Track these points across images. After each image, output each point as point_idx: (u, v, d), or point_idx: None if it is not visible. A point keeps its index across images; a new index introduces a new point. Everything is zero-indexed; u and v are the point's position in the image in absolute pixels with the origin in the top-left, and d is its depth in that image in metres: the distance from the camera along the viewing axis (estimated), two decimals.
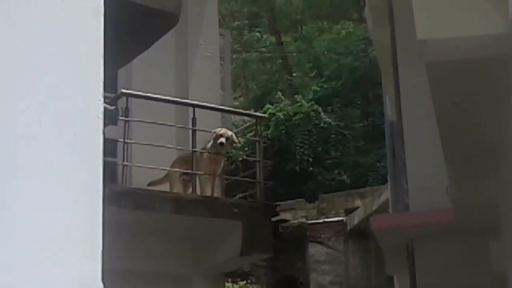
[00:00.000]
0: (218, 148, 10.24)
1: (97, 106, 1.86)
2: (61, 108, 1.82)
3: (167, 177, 10.39)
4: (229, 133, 10.43)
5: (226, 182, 11.43)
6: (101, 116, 1.86)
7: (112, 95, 9.71)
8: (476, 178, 6.90)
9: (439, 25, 4.51)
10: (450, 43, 4.59)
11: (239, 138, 12.52)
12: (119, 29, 3.11)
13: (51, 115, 1.81)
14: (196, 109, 10.49)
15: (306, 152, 22.85)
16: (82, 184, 1.82)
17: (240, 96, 29.84)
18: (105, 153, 1.90)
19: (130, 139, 10.02)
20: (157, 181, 10.31)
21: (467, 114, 5.68)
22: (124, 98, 9.99)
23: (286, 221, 17.33)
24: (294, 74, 29.77)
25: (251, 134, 12.65)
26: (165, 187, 10.30)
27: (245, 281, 21.54)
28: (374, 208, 16.89)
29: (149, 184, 10.18)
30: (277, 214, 11.03)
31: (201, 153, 10.32)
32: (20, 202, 1.76)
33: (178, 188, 10.38)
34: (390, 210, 11.56)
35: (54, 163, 1.79)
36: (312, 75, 28.29)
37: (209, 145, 10.34)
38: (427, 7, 4.55)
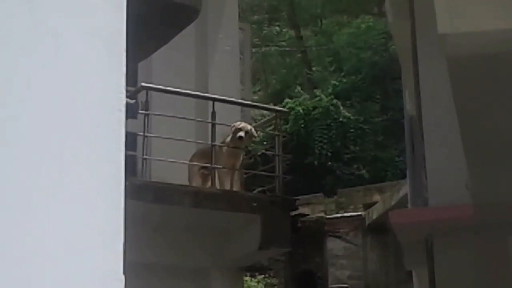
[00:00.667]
0: (237, 142, 10.25)
1: (120, 99, 1.86)
2: (83, 101, 1.83)
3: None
4: (249, 127, 10.44)
5: (245, 176, 11.44)
6: (123, 109, 1.86)
7: (132, 88, 9.74)
8: (496, 173, 6.86)
9: (460, 19, 4.48)
10: (471, 37, 4.57)
11: (258, 132, 12.52)
12: (140, 23, 3.12)
13: (73, 108, 1.82)
14: (216, 103, 10.51)
15: (325, 146, 22.83)
16: (104, 177, 1.82)
17: (259, 90, 29.83)
18: (125, 147, 1.90)
19: (150, 133, 10.05)
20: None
21: (487, 109, 5.66)
22: (144, 92, 10.03)
23: (305, 215, 17.30)
24: (313, 68, 29.73)
25: (270, 128, 12.65)
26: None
27: (263, 275, 21.56)
28: (393, 203, 16.85)
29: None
30: (296, 209, 11.03)
31: (221, 147, 10.34)
32: (42, 194, 1.76)
33: (197, 182, 10.40)
34: (409, 205, 11.53)
35: (76, 155, 1.80)
36: (331, 69, 28.24)
37: (229, 139, 10.35)
38: (448, 1, 4.53)
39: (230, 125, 10.36)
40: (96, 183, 1.81)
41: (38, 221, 1.73)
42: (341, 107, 23.71)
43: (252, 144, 16.09)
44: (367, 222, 18.90)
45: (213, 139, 10.29)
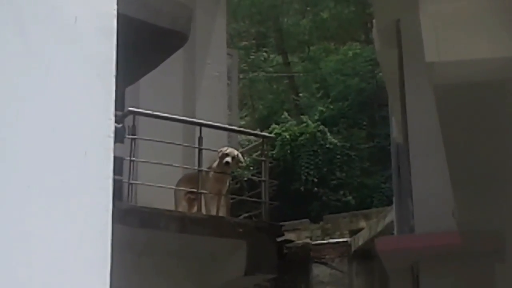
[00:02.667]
0: (224, 167, 10.24)
1: (108, 125, 1.86)
2: (72, 126, 1.83)
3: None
4: (235, 152, 10.44)
5: (231, 201, 11.42)
6: (112, 135, 1.86)
7: (120, 113, 9.73)
8: (483, 201, 6.88)
9: (447, 48, 4.51)
10: (459, 66, 4.59)
11: (245, 158, 12.51)
12: (128, 48, 3.13)
13: (62, 133, 1.82)
14: (203, 128, 10.51)
15: (311, 172, 22.81)
16: (92, 203, 1.82)
17: (246, 116, 29.85)
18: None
19: (137, 157, 10.03)
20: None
21: (474, 137, 5.68)
22: (131, 116, 10.02)
23: (291, 241, 17.28)
24: (300, 94, 29.78)
25: (256, 154, 12.66)
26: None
27: None
28: (379, 229, 16.84)
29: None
30: (282, 235, 11.01)
31: (207, 172, 10.32)
32: (29, 220, 1.75)
33: (183, 207, 10.38)
34: (395, 232, 11.54)
35: (64, 181, 1.79)
36: (318, 95, 28.30)
37: (215, 164, 10.34)
38: (436, 29, 4.55)
39: (217, 150, 10.35)
40: (83, 208, 1.80)
41: (25, 248, 1.72)
42: (328, 134, 23.73)
43: (238, 170, 16.08)
44: (353, 249, 18.86)
45: (199, 164, 10.27)
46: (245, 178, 17.79)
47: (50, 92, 1.81)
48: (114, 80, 1.88)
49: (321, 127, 23.76)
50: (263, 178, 10.95)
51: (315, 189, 22.73)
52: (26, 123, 1.78)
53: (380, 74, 19.42)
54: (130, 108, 10.09)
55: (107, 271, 1.83)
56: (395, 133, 11.35)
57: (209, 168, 10.38)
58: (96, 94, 1.86)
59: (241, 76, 23.83)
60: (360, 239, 18.52)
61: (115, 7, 1.94)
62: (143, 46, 4.84)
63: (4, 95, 1.77)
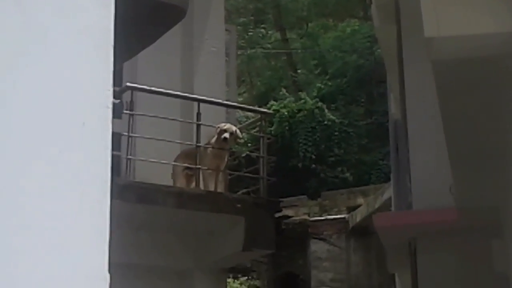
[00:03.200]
0: (222, 143, 10.25)
1: (106, 95, 1.85)
2: (70, 97, 1.82)
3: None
4: (234, 128, 10.44)
5: (229, 177, 11.43)
6: (110, 106, 1.85)
7: (117, 88, 9.72)
8: (480, 178, 6.88)
9: (447, 23, 4.49)
10: (458, 41, 4.57)
11: (243, 134, 12.52)
12: (126, 22, 3.11)
13: (59, 104, 1.81)
14: (201, 104, 10.50)
15: (309, 149, 22.83)
16: (90, 175, 1.81)
17: (244, 92, 29.83)
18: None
19: (135, 133, 10.02)
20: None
21: (473, 113, 5.67)
22: (129, 92, 10.01)
23: (289, 217, 17.32)
24: (298, 71, 29.74)
25: (255, 130, 12.66)
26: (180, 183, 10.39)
27: (246, 277, 21.54)
28: (376, 206, 16.88)
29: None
30: (280, 211, 11.03)
31: (205, 148, 10.32)
32: (27, 193, 1.75)
33: (181, 183, 10.39)
34: (392, 208, 11.55)
35: (62, 152, 1.78)
36: (316, 72, 28.26)
37: (213, 140, 10.35)
38: (435, 5, 4.53)
39: (215, 126, 10.35)
40: (81, 180, 1.80)
41: (23, 220, 1.72)
42: (326, 110, 23.72)
43: (236, 146, 16.08)
44: (350, 225, 18.91)
45: (198, 140, 10.27)
46: (243, 154, 17.80)
47: (47, 63, 1.80)
48: (112, 50, 1.88)
49: (319, 103, 23.75)
50: (261, 154, 10.96)
51: (313, 165, 22.76)
52: (23, 93, 1.77)
53: (379, 50, 19.39)
54: (128, 84, 10.08)
55: (106, 244, 1.82)
56: (393, 109, 11.34)
57: (207, 144, 10.39)
58: (94, 65, 1.85)
59: (239, 52, 23.77)
60: (358, 216, 18.57)
61: None
62: (140, 20, 4.81)
63: (0, 66, 1.76)
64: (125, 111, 9.86)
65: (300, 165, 22.57)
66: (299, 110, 23.46)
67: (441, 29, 4.50)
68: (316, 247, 19.23)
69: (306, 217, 19.66)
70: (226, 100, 12.09)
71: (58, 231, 1.77)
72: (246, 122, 14.60)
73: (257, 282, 21.93)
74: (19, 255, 1.72)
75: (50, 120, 1.79)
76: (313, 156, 22.76)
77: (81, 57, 1.84)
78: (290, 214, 17.89)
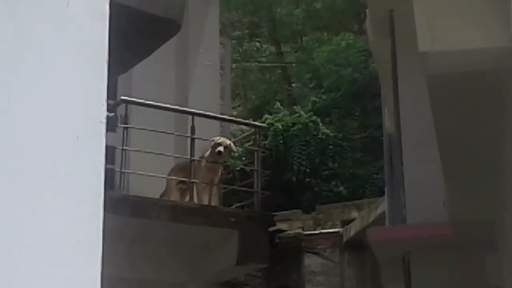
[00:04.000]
0: (216, 156, 10.24)
1: (101, 110, 1.86)
2: (64, 111, 1.82)
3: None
4: (228, 142, 10.43)
5: (223, 191, 11.42)
6: (104, 120, 1.85)
7: (112, 102, 9.71)
8: (474, 192, 6.89)
9: (441, 38, 4.51)
10: (452, 56, 4.59)
11: (237, 148, 12.52)
12: (121, 36, 3.12)
13: (53, 118, 1.81)
14: (195, 118, 10.49)
15: (303, 162, 22.82)
16: (83, 189, 1.81)
17: (238, 106, 29.84)
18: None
19: (129, 146, 10.01)
20: (163, 194, 10.35)
21: (466, 127, 5.68)
22: (123, 105, 10.00)
23: (283, 231, 17.28)
24: (293, 85, 29.77)
25: (249, 143, 12.66)
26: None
27: None
28: (370, 220, 16.87)
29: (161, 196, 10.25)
30: (274, 224, 11.01)
31: (199, 161, 10.31)
32: (21, 206, 1.75)
33: (175, 196, 10.37)
34: (386, 222, 11.55)
35: (56, 166, 1.79)
36: (311, 86, 28.29)
37: (207, 153, 10.34)
38: (429, 20, 4.55)
39: (209, 140, 10.35)
40: (75, 194, 1.80)
41: (16, 232, 1.72)
42: (320, 124, 23.73)
43: (230, 159, 16.07)
44: (344, 239, 18.89)
45: (192, 153, 10.26)
46: (238, 168, 17.79)
47: (41, 77, 1.80)
48: (106, 65, 1.88)
49: (314, 117, 23.76)
50: (255, 168, 10.95)
51: (307, 179, 22.74)
52: (17, 107, 1.77)
53: (373, 64, 19.43)
54: (123, 97, 10.07)
55: (99, 257, 1.82)
56: (388, 123, 11.36)
57: (202, 157, 10.38)
58: (88, 79, 1.85)
59: (233, 66, 23.82)
60: (352, 230, 18.55)
61: None
62: (135, 34, 4.82)
63: None
64: (119, 125, 9.85)
65: (294, 178, 22.56)
66: (294, 124, 23.47)
67: (435, 44, 4.52)
68: (310, 261, 19.20)
69: (300, 231, 19.64)
70: (221, 114, 12.09)
71: (51, 244, 1.76)
72: (241, 136, 14.59)
73: None
74: (12, 268, 1.71)
75: (44, 133, 1.79)
76: (307, 170, 22.75)
77: (76, 71, 1.84)
78: (284, 228, 17.86)
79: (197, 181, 10.19)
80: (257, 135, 11.43)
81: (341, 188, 23.05)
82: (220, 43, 13.06)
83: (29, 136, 1.77)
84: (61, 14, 1.85)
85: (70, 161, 1.80)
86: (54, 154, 1.79)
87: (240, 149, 16.85)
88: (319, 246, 19.17)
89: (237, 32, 30.83)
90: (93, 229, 1.80)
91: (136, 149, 10.09)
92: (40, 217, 1.75)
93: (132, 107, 10.20)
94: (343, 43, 27.98)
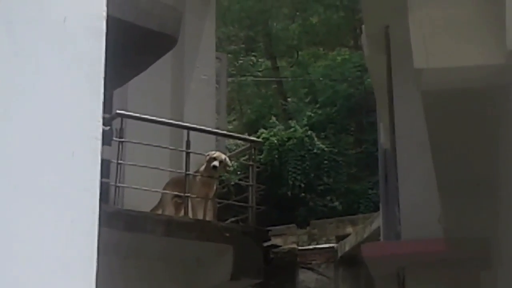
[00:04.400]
0: (211, 171, 10.23)
1: (96, 127, 1.86)
2: (60, 127, 1.82)
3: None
4: (223, 156, 10.43)
5: (218, 205, 11.40)
6: (100, 137, 1.85)
7: (107, 115, 9.71)
8: (469, 209, 6.89)
9: (436, 55, 4.52)
10: (447, 73, 4.60)
11: (233, 162, 12.51)
12: (117, 50, 3.12)
13: (49, 134, 1.81)
14: (191, 132, 10.49)
15: (298, 177, 22.82)
16: (78, 204, 1.81)
17: (234, 120, 29.86)
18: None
19: (124, 160, 10.00)
20: (155, 207, 10.33)
21: (462, 144, 5.69)
22: (119, 119, 9.99)
23: (277, 246, 17.28)
24: (288, 99, 29.81)
25: (244, 158, 12.66)
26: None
27: None
28: (365, 235, 16.86)
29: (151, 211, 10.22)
30: (269, 239, 11.00)
31: (194, 176, 10.30)
32: (14, 220, 1.75)
33: (170, 211, 10.35)
34: (381, 238, 11.55)
35: (51, 182, 1.78)
36: (306, 100, 28.32)
37: (203, 168, 10.33)
38: (424, 36, 4.56)
39: (204, 154, 10.34)
40: (70, 210, 1.80)
41: (11, 249, 1.71)
42: (316, 139, 23.75)
43: (226, 174, 16.07)
44: (339, 254, 18.87)
45: (187, 167, 10.25)
46: (233, 183, 17.79)
47: (38, 93, 1.81)
48: (102, 81, 1.88)
49: (309, 132, 23.78)
50: (250, 183, 10.94)
51: (302, 194, 22.74)
52: (13, 123, 1.77)
53: (369, 80, 19.46)
54: (118, 111, 10.07)
55: (93, 274, 1.82)
56: (383, 139, 11.37)
57: (197, 172, 10.37)
58: (84, 95, 1.85)
59: (229, 80, 23.84)
60: (347, 245, 18.54)
61: (105, 8, 1.93)
62: (132, 48, 4.83)
63: None
64: (114, 138, 9.85)
65: (289, 193, 22.56)
66: (289, 139, 23.48)
67: (431, 61, 4.53)
68: (305, 277, 19.17)
69: (294, 246, 19.61)
70: (216, 128, 12.09)
71: (46, 259, 1.76)
72: (236, 150, 14.60)
73: None
74: (7, 284, 1.71)
75: (40, 149, 1.79)
76: (302, 185, 22.75)
77: (72, 87, 1.85)
78: (278, 243, 17.87)
79: (192, 195, 10.18)
80: (253, 150, 11.43)
81: (336, 203, 23.05)
82: (216, 58, 13.07)
83: (24, 151, 1.77)
84: (58, 30, 1.85)
85: (66, 177, 1.80)
86: (50, 170, 1.79)
87: (235, 163, 16.85)
88: (313, 262, 19.15)
89: (233, 47, 30.89)
90: (88, 245, 1.80)
91: (131, 163, 10.08)
92: (35, 232, 1.75)
93: (127, 121, 10.20)
94: (338, 58, 28.04)
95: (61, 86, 1.83)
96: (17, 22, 1.80)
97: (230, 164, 11.08)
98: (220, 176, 11.86)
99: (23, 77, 1.80)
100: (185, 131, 10.57)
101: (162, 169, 10.40)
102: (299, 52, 31.12)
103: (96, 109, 1.87)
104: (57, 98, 1.83)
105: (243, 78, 30.04)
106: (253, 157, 11.38)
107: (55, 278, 1.76)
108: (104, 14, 1.93)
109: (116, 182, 9.86)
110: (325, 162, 23.53)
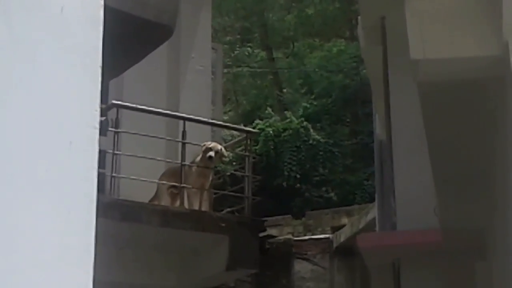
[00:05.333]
0: (207, 161, 10.23)
1: (94, 116, 1.86)
2: (57, 117, 1.82)
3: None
4: (219, 147, 10.43)
5: (214, 196, 11.41)
6: (97, 126, 1.86)
7: (103, 106, 9.70)
8: (464, 199, 6.91)
9: (432, 46, 4.52)
10: (443, 64, 4.61)
11: (228, 153, 12.51)
12: (113, 40, 3.12)
13: (47, 123, 1.81)
14: (187, 122, 10.49)
15: (294, 168, 22.81)
16: (76, 194, 1.81)
17: (230, 111, 29.84)
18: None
19: (119, 151, 10.00)
20: (152, 199, 10.33)
21: (457, 135, 5.70)
22: (114, 109, 9.99)
23: (273, 237, 17.28)
24: (284, 90, 29.79)
25: (240, 149, 12.66)
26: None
27: None
28: (361, 226, 16.87)
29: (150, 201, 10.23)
30: (264, 230, 11.01)
31: (190, 166, 10.31)
32: (12, 210, 1.75)
33: (166, 201, 10.36)
34: (377, 228, 11.56)
35: (48, 171, 1.78)
36: (302, 91, 28.30)
37: (198, 158, 10.33)
38: (421, 27, 4.56)
39: (200, 145, 10.34)
40: (67, 199, 1.80)
41: (8, 237, 1.71)
42: (311, 130, 23.73)
43: (221, 164, 16.07)
44: (334, 245, 18.88)
45: (183, 158, 10.25)
46: (228, 173, 17.78)
47: (35, 82, 1.80)
48: (100, 70, 1.88)
49: (305, 123, 23.76)
50: (246, 173, 10.95)
51: (298, 185, 22.74)
52: (11, 112, 1.77)
53: (364, 71, 19.45)
54: (114, 101, 10.06)
55: (91, 262, 1.82)
56: (379, 130, 11.38)
57: (192, 162, 10.37)
58: (81, 84, 1.85)
59: (225, 71, 23.82)
60: (342, 236, 18.55)
61: None
62: (128, 38, 4.82)
63: None
64: (110, 129, 9.84)
65: (284, 184, 22.56)
66: (285, 129, 23.47)
67: (427, 52, 4.53)
68: (300, 267, 19.18)
69: (290, 236, 19.63)
70: (212, 119, 12.09)
71: (43, 249, 1.76)
72: (232, 141, 14.59)
73: None
74: (4, 273, 1.71)
75: (37, 138, 1.79)
76: (298, 176, 22.75)
77: (69, 76, 1.85)
78: (274, 234, 17.87)
79: (188, 186, 10.19)
80: (248, 141, 11.43)
81: (332, 194, 23.05)
82: (212, 48, 13.06)
83: (22, 141, 1.77)
84: (55, 19, 1.85)
85: (63, 166, 1.80)
86: (47, 159, 1.79)
87: (231, 154, 16.83)
88: (309, 252, 19.16)
89: (229, 37, 30.85)
90: (86, 234, 1.80)
91: (127, 153, 10.08)
92: (32, 222, 1.75)
93: (123, 111, 10.19)
94: (334, 49, 28.01)
95: (59, 75, 1.83)
96: (15, 11, 1.80)
97: (226, 155, 11.09)
98: (216, 167, 11.87)
99: (20, 66, 1.80)
100: (181, 122, 10.56)
101: (158, 160, 10.40)
102: (295, 43, 31.08)
103: (93, 98, 1.87)
104: (54, 87, 1.83)
105: (238, 69, 30.02)
106: (248, 147, 11.38)
107: (54, 268, 1.77)
108: (102, 2, 1.93)
109: (111, 173, 9.86)
110: (321, 153, 23.52)
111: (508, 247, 5.38)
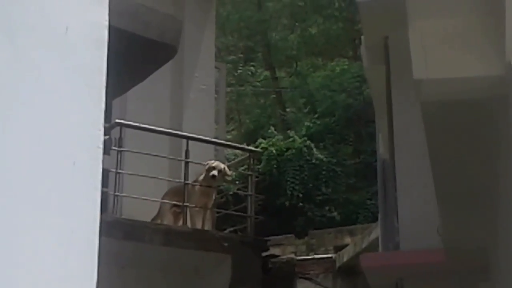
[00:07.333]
0: (210, 180, 10.23)
1: (98, 136, 1.86)
2: (61, 137, 1.82)
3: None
4: (222, 166, 10.44)
5: (217, 215, 11.40)
6: (101, 146, 1.85)
7: (106, 124, 9.70)
8: (468, 219, 6.89)
9: (436, 65, 4.52)
10: (447, 84, 4.60)
11: (231, 172, 12.51)
12: (117, 59, 3.13)
13: (50, 143, 1.81)
14: (190, 141, 10.50)
15: (297, 187, 22.79)
16: (79, 214, 1.81)
17: (233, 130, 29.86)
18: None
19: (123, 170, 10.00)
20: (155, 217, 10.33)
21: (461, 155, 5.69)
22: (118, 128, 10.00)
23: (276, 256, 17.22)
24: (287, 109, 29.82)
25: (243, 168, 12.65)
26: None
27: None
28: (363, 245, 16.83)
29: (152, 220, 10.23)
30: (267, 249, 10.99)
31: (193, 185, 10.31)
32: (15, 230, 1.74)
33: (168, 220, 10.35)
34: (380, 248, 11.52)
35: (52, 192, 1.78)
36: (305, 111, 28.33)
37: (201, 177, 10.33)
38: (424, 47, 4.57)
39: (203, 164, 10.35)
40: (70, 220, 1.79)
41: (11, 258, 1.71)
42: (314, 149, 23.73)
43: (224, 184, 16.06)
44: (337, 265, 18.83)
45: (186, 177, 10.26)
46: (231, 192, 17.76)
47: (39, 102, 1.81)
48: (104, 91, 1.88)
49: (308, 142, 23.76)
50: (249, 193, 10.95)
51: (301, 204, 22.71)
52: (14, 132, 1.77)
53: (367, 90, 19.47)
54: (117, 120, 10.08)
55: (93, 283, 1.82)
56: (381, 149, 11.36)
57: (195, 181, 10.37)
58: (85, 105, 1.85)
59: (228, 90, 23.85)
60: (345, 255, 18.50)
61: (107, 18, 1.94)
62: (131, 58, 4.83)
63: None
64: (113, 147, 9.86)
65: (287, 203, 22.53)
66: (288, 149, 23.46)
67: (430, 71, 4.53)
68: (303, 287, 19.11)
69: (293, 256, 19.58)
70: (215, 138, 12.11)
71: (46, 269, 1.76)
72: (235, 160, 14.60)
73: None
74: None
75: (41, 158, 1.79)
76: (301, 195, 22.73)
77: (73, 96, 1.85)
78: (277, 253, 17.81)
79: (190, 205, 10.18)
80: (251, 160, 11.43)
81: (335, 213, 23.01)
82: (215, 67, 13.10)
83: (25, 161, 1.77)
84: (60, 39, 1.85)
85: (67, 187, 1.80)
86: (51, 180, 1.79)
87: (234, 173, 16.82)
88: (311, 272, 19.10)
89: (232, 57, 30.92)
90: (89, 255, 1.80)
91: (130, 172, 10.08)
92: (35, 243, 1.75)
93: (126, 130, 10.21)
94: (337, 69, 28.05)
95: (63, 95, 1.84)
96: (19, 31, 1.80)
97: (229, 174, 11.09)
98: (219, 186, 11.86)
99: (24, 86, 1.80)
100: (184, 141, 10.58)
101: (160, 179, 10.40)
102: (298, 63, 31.14)
103: (97, 118, 1.87)
104: (58, 107, 1.83)
105: (242, 88, 30.07)
106: (251, 167, 11.39)
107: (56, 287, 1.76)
108: (106, 23, 1.93)
109: (114, 191, 9.86)
110: (324, 172, 23.50)
111: (511, 267, 5.36)
